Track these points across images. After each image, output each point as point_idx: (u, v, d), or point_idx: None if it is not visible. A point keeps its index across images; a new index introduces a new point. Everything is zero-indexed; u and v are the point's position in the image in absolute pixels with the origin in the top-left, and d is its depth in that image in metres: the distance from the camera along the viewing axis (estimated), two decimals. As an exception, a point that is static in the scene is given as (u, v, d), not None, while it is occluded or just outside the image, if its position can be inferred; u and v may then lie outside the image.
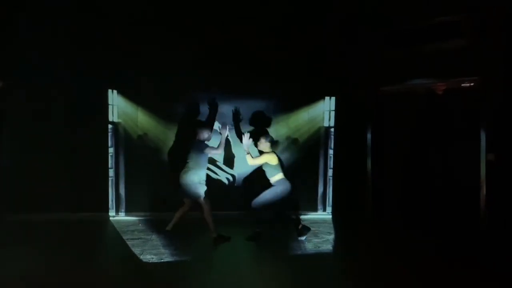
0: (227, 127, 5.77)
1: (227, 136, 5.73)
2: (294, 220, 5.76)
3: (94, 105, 6.58)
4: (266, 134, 5.83)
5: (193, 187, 5.39)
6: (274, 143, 5.77)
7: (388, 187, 6.83)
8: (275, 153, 5.73)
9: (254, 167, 6.04)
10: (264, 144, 5.67)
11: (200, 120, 6.49)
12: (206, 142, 5.58)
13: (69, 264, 4.64)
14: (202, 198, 5.42)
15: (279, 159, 5.77)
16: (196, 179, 5.40)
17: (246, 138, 5.63)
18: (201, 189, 5.42)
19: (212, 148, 5.55)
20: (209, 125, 5.92)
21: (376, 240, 5.84)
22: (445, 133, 6.22)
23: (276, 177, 5.60)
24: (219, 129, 5.69)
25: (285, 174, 5.69)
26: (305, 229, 5.67)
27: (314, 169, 7.03)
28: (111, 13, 6.42)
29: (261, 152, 5.71)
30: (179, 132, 6.66)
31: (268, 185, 5.64)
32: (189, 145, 5.63)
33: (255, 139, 5.75)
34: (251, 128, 6.67)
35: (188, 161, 5.50)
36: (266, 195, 5.54)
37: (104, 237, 5.96)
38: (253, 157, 5.62)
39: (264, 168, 5.66)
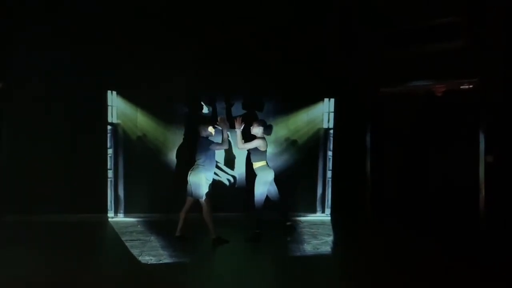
0: (225, 121, 5.69)
1: (228, 136, 5.71)
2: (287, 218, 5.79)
3: (94, 106, 6.56)
4: (260, 119, 5.83)
5: (199, 186, 5.37)
6: (267, 128, 5.71)
7: (387, 188, 6.81)
8: (265, 139, 5.70)
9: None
10: (257, 129, 5.66)
11: (201, 116, 6.49)
12: (210, 138, 5.57)
13: (68, 265, 4.63)
14: (204, 198, 5.40)
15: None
16: (203, 178, 5.38)
17: (238, 122, 5.61)
18: (206, 188, 5.40)
19: (217, 144, 5.54)
20: (210, 121, 5.89)
21: (376, 242, 5.82)
22: (445, 134, 6.20)
23: (259, 163, 5.60)
24: (218, 124, 5.66)
25: (282, 175, 5.68)
26: (291, 229, 5.70)
27: (313, 171, 7.00)
28: (111, 13, 6.42)
29: (253, 136, 5.68)
30: (185, 131, 6.66)
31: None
32: (195, 144, 5.63)
33: (248, 123, 5.77)
34: (243, 112, 6.64)
35: (196, 159, 5.48)
36: (257, 191, 5.55)
37: (103, 238, 5.95)
38: (244, 141, 5.63)
39: (250, 151, 5.66)
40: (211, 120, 6.09)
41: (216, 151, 5.68)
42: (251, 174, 6.00)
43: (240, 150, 6.09)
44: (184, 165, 5.89)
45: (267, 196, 5.68)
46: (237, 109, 6.72)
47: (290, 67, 6.70)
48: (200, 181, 5.37)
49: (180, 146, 6.66)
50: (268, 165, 5.70)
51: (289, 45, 6.72)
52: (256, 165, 5.63)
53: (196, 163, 5.48)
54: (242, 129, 5.66)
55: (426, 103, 6.33)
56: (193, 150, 5.64)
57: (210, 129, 5.59)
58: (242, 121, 5.68)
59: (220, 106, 6.70)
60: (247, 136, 5.80)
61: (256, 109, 6.71)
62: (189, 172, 5.47)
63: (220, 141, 5.61)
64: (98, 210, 6.60)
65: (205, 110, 6.69)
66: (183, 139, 6.66)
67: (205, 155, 5.45)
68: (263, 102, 6.79)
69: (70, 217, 6.40)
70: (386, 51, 6.47)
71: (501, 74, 5.59)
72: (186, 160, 6.00)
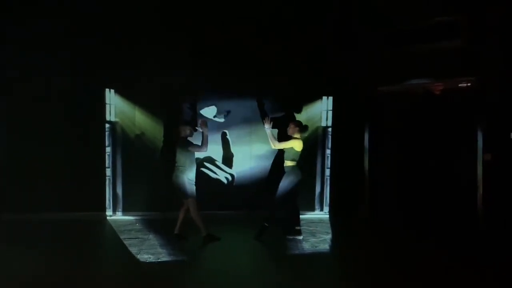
0: (207, 124, 5.59)
1: (227, 135, 5.69)
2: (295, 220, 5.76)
3: (92, 105, 6.56)
4: (295, 120, 5.80)
5: (181, 186, 5.38)
6: (303, 129, 5.67)
7: (385, 187, 6.83)
8: (301, 140, 5.60)
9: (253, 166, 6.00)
10: (293, 129, 5.61)
11: (182, 117, 6.38)
12: (188, 138, 5.51)
13: (66, 264, 4.61)
14: (189, 198, 5.40)
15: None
16: (184, 178, 5.37)
17: (266, 121, 5.61)
18: (189, 189, 5.39)
19: (196, 146, 5.49)
20: (189, 122, 5.83)
21: (374, 240, 5.83)
22: (443, 132, 6.23)
23: (291, 162, 5.53)
24: (200, 127, 5.58)
25: (281, 173, 5.65)
26: (297, 233, 5.66)
27: (312, 169, 6.99)
28: (110, 12, 6.42)
29: (289, 137, 5.62)
30: (166, 132, 6.63)
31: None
32: (175, 144, 5.58)
33: (285, 124, 5.75)
34: (281, 114, 6.61)
35: (176, 161, 5.46)
36: (281, 188, 5.52)
37: (101, 237, 5.94)
38: (279, 141, 5.62)
39: (285, 150, 5.59)
40: (191, 121, 6.01)
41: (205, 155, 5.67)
42: (275, 173, 5.91)
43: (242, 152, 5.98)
44: (174, 164, 5.82)
45: (287, 196, 5.60)
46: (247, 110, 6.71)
47: (289, 66, 6.72)
48: (182, 182, 5.36)
49: (169, 146, 6.52)
50: (298, 167, 5.59)
51: (288, 44, 6.74)
52: (288, 163, 5.55)
53: (176, 165, 5.44)
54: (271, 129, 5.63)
55: (424, 102, 6.36)
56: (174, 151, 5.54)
57: (189, 129, 5.53)
58: (271, 120, 5.65)
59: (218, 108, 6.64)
60: (282, 136, 5.81)
61: (294, 111, 6.67)
62: (172, 175, 5.47)
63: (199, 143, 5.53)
64: (97, 208, 6.60)
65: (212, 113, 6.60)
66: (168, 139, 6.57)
67: (184, 156, 5.40)
68: (301, 104, 6.76)
69: (69, 215, 6.38)
70: (385, 50, 6.50)
71: (499, 73, 5.63)
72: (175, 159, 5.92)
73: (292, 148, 5.52)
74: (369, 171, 6.89)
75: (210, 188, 6.37)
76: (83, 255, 4.92)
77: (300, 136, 5.61)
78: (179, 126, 5.57)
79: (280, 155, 5.85)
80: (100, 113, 6.59)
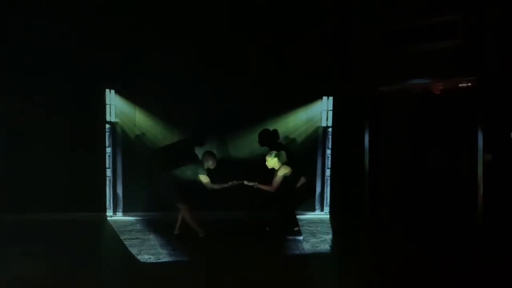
0: (234, 184, 5.56)
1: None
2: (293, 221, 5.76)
3: (92, 105, 6.56)
4: (269, 152, 5.65)
5: (170, 193, 5.43)
6: (280, 156, 5.55)
7: (385, 187, 6.84)
8: (286, 164, 5.55)
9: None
10: (271, 162, 5.54)
11: (209, 150, 6.02)
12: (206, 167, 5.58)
13: (66, 264, 4.61)
14: (179, 204, 5.45)
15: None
16: (175, 185, 5.42)
17: (249, 183, 5.56)
18: (179, 194, 5.42)
19: (205, 177, 5.48)
20: (214, 155, 5.76)
21: (374, 240, 5.84)
22: (443, 133, 6.23)
23: (300, 182, 5.61)
24: (231, 181, 5.54)
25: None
26: (297, 233, 5.66)
27: (312, 169, 7.01)
28: (110, 12, 6.42)
29: (273, 169, 5.58)
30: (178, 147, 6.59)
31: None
32: (187, 160, 5.63)
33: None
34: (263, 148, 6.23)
35: (173, 169, 5.50)
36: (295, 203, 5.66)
37: (101, 237, 5.95)
38: (271, 182, 5.53)
39: (286, 181, 5.55)
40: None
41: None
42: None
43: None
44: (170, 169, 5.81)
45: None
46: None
47: (288, 66, 6.72)
48: (170, 188, 5.42)
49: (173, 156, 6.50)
50: (306, 180, 5.64)
51: (288, 44, 6.74)
52: (299, 183, 5.61)
53: (167, 171, 5.48)
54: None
55: (424, 101, 6.36)
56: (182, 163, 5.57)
57: (213, 163, 5.59)
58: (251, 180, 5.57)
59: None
60: (267, 172, 5.62)
61: (269, 142, 6.06)
62: (163, 178, 5.52)
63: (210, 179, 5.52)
64: (97, 209, 6.60)
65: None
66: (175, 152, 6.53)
67: (185, 170, 5.48)
68: (274, 132, 6.16)
69: (69, 215, 6.39)
70: (385, 49, 6.50)
71: (499, 72, 5.62)
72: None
73: (285, 177, 5.51)
74: (369, 171, 6.89)
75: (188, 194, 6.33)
76: (84, 256, 4.93)
77: (282, 162, 5.53)
78: (207, 156, 5.62)
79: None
80: (100, 114, 6.59)
